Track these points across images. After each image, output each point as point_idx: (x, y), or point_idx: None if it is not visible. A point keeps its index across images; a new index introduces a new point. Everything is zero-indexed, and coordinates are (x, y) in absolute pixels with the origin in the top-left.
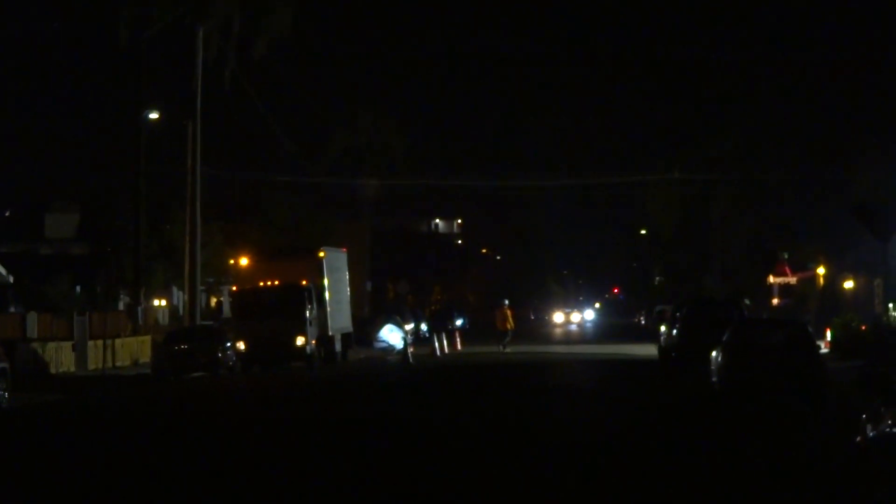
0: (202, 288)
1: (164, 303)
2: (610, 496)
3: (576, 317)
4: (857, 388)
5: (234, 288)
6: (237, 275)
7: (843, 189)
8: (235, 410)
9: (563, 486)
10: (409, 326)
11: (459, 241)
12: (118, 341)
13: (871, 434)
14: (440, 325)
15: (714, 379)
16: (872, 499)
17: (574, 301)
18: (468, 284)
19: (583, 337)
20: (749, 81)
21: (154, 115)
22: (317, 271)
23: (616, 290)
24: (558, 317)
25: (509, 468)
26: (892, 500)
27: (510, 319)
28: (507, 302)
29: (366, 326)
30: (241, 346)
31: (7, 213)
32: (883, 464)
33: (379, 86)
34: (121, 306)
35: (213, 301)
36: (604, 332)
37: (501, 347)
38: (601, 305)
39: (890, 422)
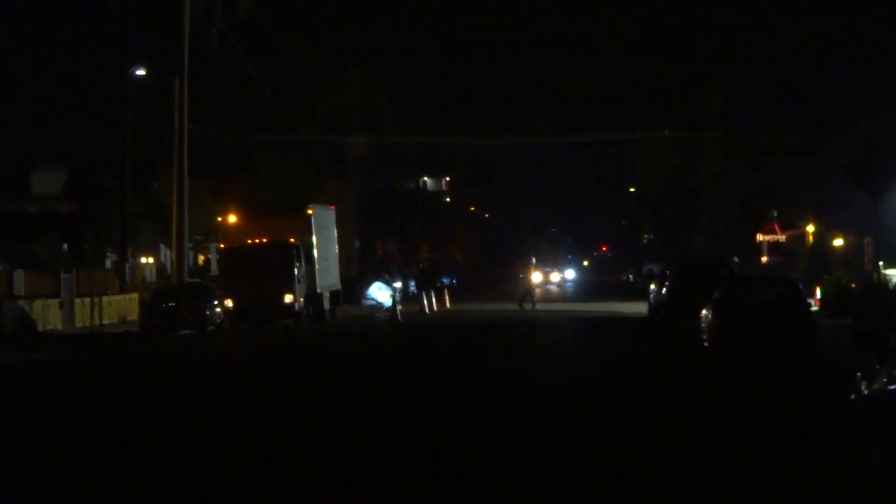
0: (190, 246)
1: (151, 260)
2: (602, 454)
3: (555, 276)
4: (851, 346)
5: (222, 245)
6: (225, 232)
7: (833, 147)
8: (220, 370)
9: (556, 448)
10: (398, 284)
11: (448, 200)
12: (105, 299)
13: (865, 392)
14: (428, 282)
15: (704, 337)
16: (867, 456)
17: (561, 259)
18: (456, 242)
19: (564, 296)
20: (740, 39)
21: (141, 73)
22: (305, 229)
23: (605, 248)
24: (536, 276)
25: (499, 423)
26: (888, 456)
27: (532, 278)
28: (534, 260)
29: (354, 284)
30: (228, 303)
31: None
32: (878, 421)
33: (366, 43)
34: (108, 264)
35: (201, 259)
36: (590, 290)
37: (530, 306)
38: (589, 263)
39: (885, 379)
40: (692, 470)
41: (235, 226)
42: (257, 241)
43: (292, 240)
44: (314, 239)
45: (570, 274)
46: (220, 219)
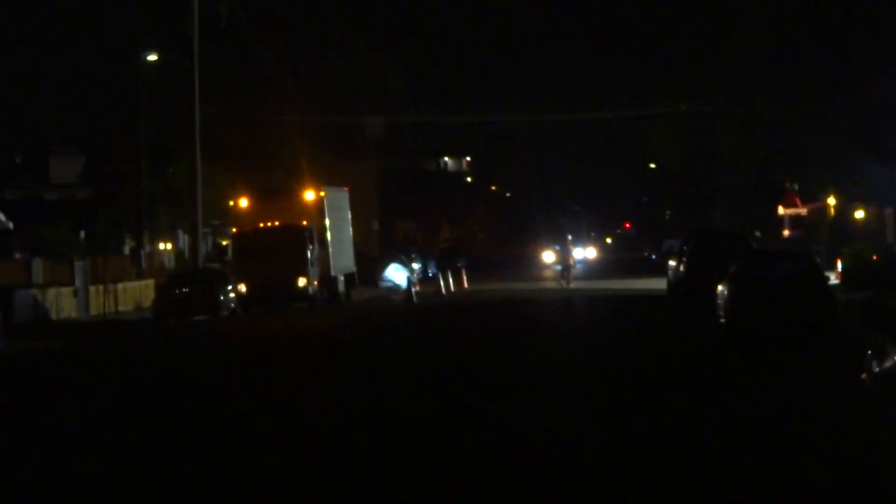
0: (207, 230)
1: (170, 246)
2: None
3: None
4: (861, 323)
5: (234, 230)
6: (237, 216)
7: (850, 116)
8: (228, 356)
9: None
10: (416, 265)
11: (469, 179)
12: (121, 286)
13: (875, 371)
14: (447, 263)
15: (720, 312)
16: (875, 438)
17: (583, 236)
18: (477, 222)
19: (580, 274)
20: (754, 7)
21: (152, 58)
22: (318, 211)
23: (627, 225)
24: (548, 256)
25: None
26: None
27: (572, 255)
28: (570, 237)
29: (372, 266)
30: (242, 288)
31: (18, 160)
32: (887, 403)
33: (380, 20)
34: (126, 250)
35: (224, 243)
36: (612, 267)
37: (564, 282)
38: (613, 240)
39: (895, 359)
40: (699, 448)
41: (247, 209)
42: (270, 224)
43: (305, 223)
44: (327, 221)
45: (590, 253)
46: (231, 202)
